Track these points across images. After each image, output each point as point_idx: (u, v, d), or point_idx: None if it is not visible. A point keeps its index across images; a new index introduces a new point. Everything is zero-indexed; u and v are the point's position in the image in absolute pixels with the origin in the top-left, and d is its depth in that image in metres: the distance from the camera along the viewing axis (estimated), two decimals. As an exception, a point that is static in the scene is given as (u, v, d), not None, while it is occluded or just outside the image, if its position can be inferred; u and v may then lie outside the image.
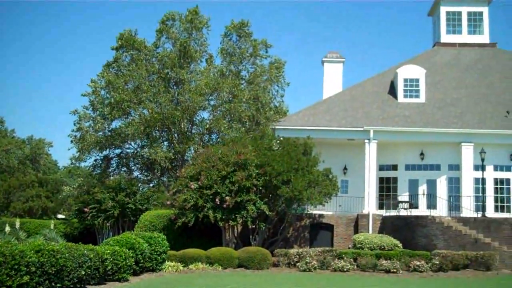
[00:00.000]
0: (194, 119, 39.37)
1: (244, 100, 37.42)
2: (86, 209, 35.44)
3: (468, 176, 33.70)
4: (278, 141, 32.78)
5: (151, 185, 42.59)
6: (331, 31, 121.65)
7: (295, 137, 32.68)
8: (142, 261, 23.23)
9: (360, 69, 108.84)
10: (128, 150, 40.95)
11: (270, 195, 30.20)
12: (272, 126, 35.77)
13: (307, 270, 25.83)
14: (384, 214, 33.49)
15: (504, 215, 32.76)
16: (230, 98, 38.00)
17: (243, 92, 37.81)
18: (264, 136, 33.29)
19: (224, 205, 28.35)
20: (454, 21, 42.84)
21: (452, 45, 42.52)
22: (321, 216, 33.54)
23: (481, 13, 42.52)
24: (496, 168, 34.48)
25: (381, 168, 35.72)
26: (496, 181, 34.40)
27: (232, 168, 29.06)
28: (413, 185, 35.14)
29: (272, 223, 31.30)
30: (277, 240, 31.77)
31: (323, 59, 40.73)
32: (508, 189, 34.28)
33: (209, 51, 41.09)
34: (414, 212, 32.69)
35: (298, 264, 26.58)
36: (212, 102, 39.28)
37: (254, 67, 40.12)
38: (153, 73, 39.04)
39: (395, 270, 25.73)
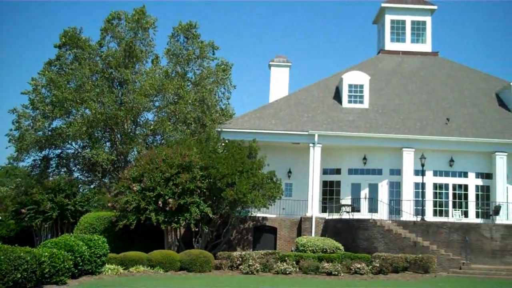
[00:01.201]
0: (138, 120, 38.80)
1: (189, 101, 37.12)
2: (23, 210, 34.36)
3: (408, 180, 34.43)
4: (223, 144, 32.63)
5: (92, 186, 41.69)
6: (279, 35, 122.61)
7: (241, 139, 32.64)
8: (81, 263, 22.63)
9: (306, 74, 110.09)
10: (69, 151, 40.06)
11: (214, 198, 30.00)
12: (217, 128, 35.57)
13: (250, 272, 25.76)
14: (327, 217, 33.81)
15: (443, 219, 33.60)
16: (176, 100, 37.62)
17: (189, 93, 37.51)
18: (210, 138, 33.07)
19: (167, 208, 27.98)
20: (398, 29, 43.84)
21: (396, 52, 43.49)
22: (264, 219, 33.56)
23: (424, 23, 43.68)
24: (435, 174, 35.34)
25: (325, 172, 36.05)
26: (435, 186, 35.27)
27: (176, 170, 28.73)
28: (356, 189, 35.63)
29: (215, 225, 31.10)
30: (220, 242, 31.58)
31: (270, 62, 40.91)
32: (447, 194, 35.21)
33: (156, 51, 40.68)
34: (356, 216, 33.14)
35: (240, 266, 26.47)
36: (157, 103, 38.81)
37: (201, 69, 39.89)
38: (96, 73, 38.27)
39: (336, 273, 25.95)
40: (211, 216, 28.99)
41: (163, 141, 38.37)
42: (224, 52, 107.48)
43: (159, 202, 27.89)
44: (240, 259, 27.19)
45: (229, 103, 41.24)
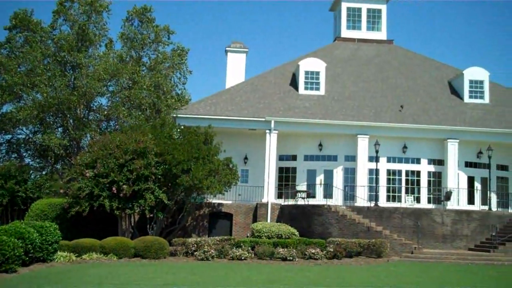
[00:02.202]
0: (92, 105, 38.08)
1: (144, 87, 36.62)
2: (-28, 197, 33.36)
3: (363, 167, 34.86)
4: (179, 130, 32.36)
5: (43, 172, 40.78)
6: (236, 21, 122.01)
7: (197, 125, 32.43)
8: (32, 251, 22.18)
9: (263, 60, 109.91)
10: (20, 136, 39.08)
11: (170, 184, 29.74)
12: (173, 114, 35.21)
13: (205, 259, 25.69)
14: (282, 203, 33.97)
15: (396, 204, 34.21)
16: (130, 85, 37.07)
17: (143, 78, 37.00)
18: (165, 124, 32.70)
19: (121, 194, 27.67)
20: (354, 17, 44.17)
21: (352, 40, 43.83)
22: (220, 205, 33.50)
23: (380, 11, 44.14)
24: (389, 160, 35.88)
25: (281, 158, 36.18)
26: (389, 172, 35.83)
27: (131, 156, 28.37)
28: (311, 175, 35.88)
29: (170, 212, 30.89)
30: (175, 229, 31.39)
31: (227, 48, 40.64)
32: (400, 180, 35.83)
33: (110, 35, 39.99)
34: (312, 202, 33.41)
35: (196, 253, 26.38)
36: (111, 88, 38.20)
37: (156, 53, 39.43)
38: (48, 56, 37.33)
39: (291, 258, 26.14)
40: (166, 202, 28.78)
41: (117, 126, 37.81)
42: (180, 37, 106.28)
43: (113, 189, 27.53)
44: (195, 245, 27.10)
45: (185, 88, 40.95)
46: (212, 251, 26.12)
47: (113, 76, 36.55)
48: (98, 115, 38.23)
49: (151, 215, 29.30)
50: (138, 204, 28.04)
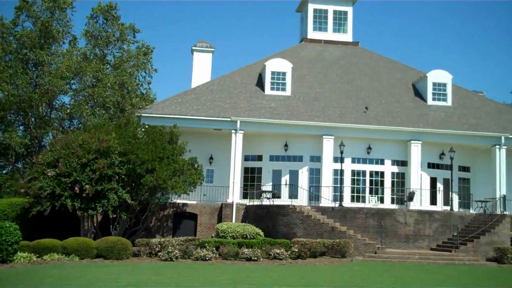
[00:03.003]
0: (54, 103, 37.27)
1: (109, 85, 36.03)
2: None
3: (328, 167, 35.05)
4: (143, 129, 32.01)
5: (4, 172, 39.81)
6: (203, 20, 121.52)
7: (162, 125, 32.13)
8: (-10, 252, 21.61)
9: (230, 60, 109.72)
10: (-21, 134, 37.89)
11: (133, 184, 29.37)
12: (138, 113, 34.78)
13: (169, 259, 25.46)
14: (248, 204, 33.92)
15: (360, 205, 34.51)
16: (94, 83, 36.45)
17: (108, 77, 36.41)
18: (129, 123, 32.26)
19: (84, 194, 27.26)
20: (320, 18, 44.50)
21: (318, 41, 44.14)
22: (185, 205, 33.27)
23: (346, 13, 44.58)
24: (354, 161, 36.18)
25: (246, 158, 36.12)
26: (353, 172, 36.12)
27: (94, 155, 27.94)
28: (277, 176, 35.94)
29: (134, 212, 30.51)
30: (139, 229, 31.03)
31: (193, 47, 40.48)
32: (364, 180, 36.15)
33: (74, 33, 39.13)
34: (277, 202, 33.44)
35: (159, 253, 26.13)
36: (74, 86, 37.45)
37: (121, 51, 38.85)
38: (10, 53, 36.40)
39: (256, 258, 26.10)
40: (130, 202, 28.45)
41: (80, 125, 37.11)
42: (146, 35, 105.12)
43: (76, 188, 27.09)
44: (159, 246, 26.84)
45: (150, 87, 40.44)
46: (176, 251, 25.90)
47: (76, 74, 35.89)
48: (60, 113, 37.44)
49: (114, 216, 28.92)
50: (101, 204, 27.65)
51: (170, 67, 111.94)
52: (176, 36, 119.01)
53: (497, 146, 36.15)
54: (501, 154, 36.14)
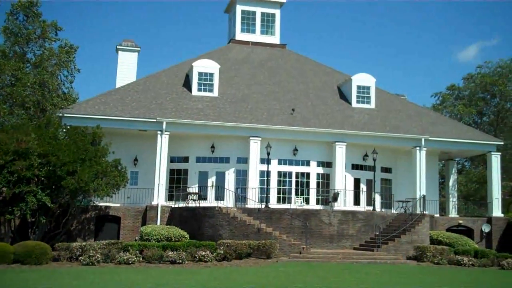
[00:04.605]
0: (-30, 102, 35.51)
1: (28, 84, 34.61)
2: None
3: (254, 169, 35.10)
4: (65, 130, 31.07)
5: None
6: (128, 19, 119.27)
7: (84, 126, 31.28)
8: None
9: (157, 60, 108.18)
10: None
11: (54, 187, 28.42)
12: (59, 113, 33.64)
13: (90, 263, 24.73)
14: (173, 206, 33.51)
15: (285, 206, 34.75)
16: (13, 82, 34.92)
17: (27, 75, 34.96)
18: (50, 124, 31.17)
19: (1, 197, 26.09)
20: (249, 20, 44.67)
21: (246, 43, 44.27)
22: (108, 208, 32.49)
23: (273, 15, 44.97)
24: (280, 162, 36.43)
25: (172, 160, 35.69)
26: (279, 174, 36.38)
27: (12, 157, 26.88)
28: (203, 177, 35.68)
29: (54, 216, 29.48)
30: (59, 233, 30.01)
31: (118, 46, 39.68)
32: (290, 181, 36.47)
33: (-8, 29, 37.37)
34: (203, 204, 33.16)
35: (80, 258, 25.29)
36: (-9, 85, 35.76)
37: (42, 50, 37.40)
38: None
39: (180, 261, 25.77)
40: (49, 205, 27.53)
41: (-3, 125, 35.51)
42: (69, 34, 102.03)
43: (-9, 191, 25.90)
44: (80, 250, 26.01)
45: (72, 87, 39.03)
46: (98, 255, 25.18)
47: (-6, 72, 34.32)
48: (-24, 113, 35.75)
49: (33, 219, 27.88)
50: (18, 208, 26.66)
51: (94, 67, 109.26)
52: (102, 35, 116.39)
53: (418, 148, 37.34)
54: (421, 156, 37.34)
